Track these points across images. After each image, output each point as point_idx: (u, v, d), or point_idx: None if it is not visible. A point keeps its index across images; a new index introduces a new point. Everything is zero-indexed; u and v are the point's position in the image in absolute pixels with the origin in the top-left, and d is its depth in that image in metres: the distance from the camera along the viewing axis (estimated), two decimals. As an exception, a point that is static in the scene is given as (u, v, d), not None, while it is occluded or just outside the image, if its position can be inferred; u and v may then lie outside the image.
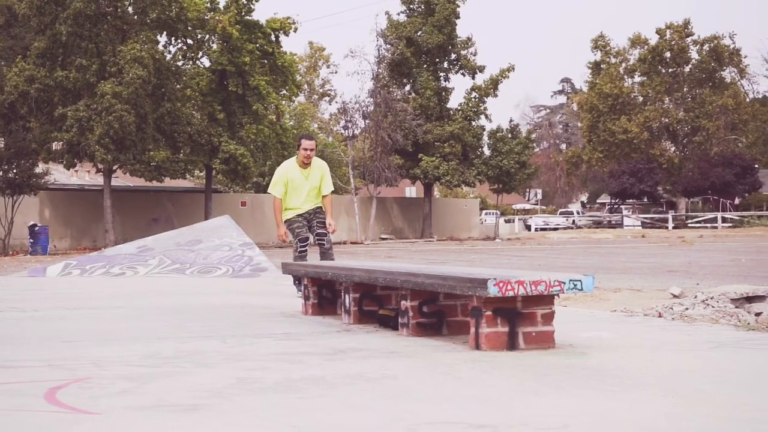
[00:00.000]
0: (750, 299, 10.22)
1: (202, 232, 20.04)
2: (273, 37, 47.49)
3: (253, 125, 45.99)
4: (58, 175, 55.92)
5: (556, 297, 6.67)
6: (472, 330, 6.59)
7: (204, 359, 6.26)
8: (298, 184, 12.01)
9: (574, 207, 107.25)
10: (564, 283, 6.43)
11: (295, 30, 47.95)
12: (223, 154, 45.09)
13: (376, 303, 8.46)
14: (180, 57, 46.90)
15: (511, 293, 6.30)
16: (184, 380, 5.41)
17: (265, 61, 47.09)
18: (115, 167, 42.76)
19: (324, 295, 9.47)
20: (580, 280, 6.49)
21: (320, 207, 12.18)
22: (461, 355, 6.36)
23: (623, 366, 5.88)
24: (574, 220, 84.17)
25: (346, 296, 8.56)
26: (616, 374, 5.54)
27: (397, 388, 5.13)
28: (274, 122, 48.80)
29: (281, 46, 48.13)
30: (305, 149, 11.90)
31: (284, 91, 49.50)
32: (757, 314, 9.75)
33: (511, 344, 6.49)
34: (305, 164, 12.01)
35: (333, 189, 12.53)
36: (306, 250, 11.78)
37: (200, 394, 4.95)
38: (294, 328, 8.27)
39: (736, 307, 9.99)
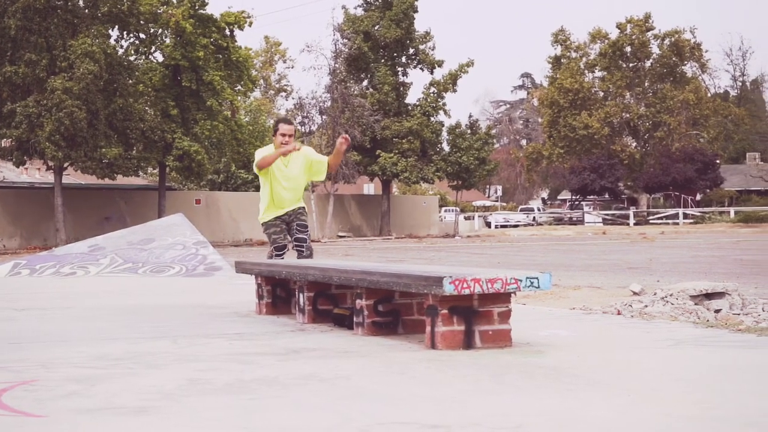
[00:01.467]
0: (709, 296, 10.30)
1: (155, 231, 19.93)
2: (227, 32, 47.36)
3: (208, 121, 45.82)
4: (8, 173, 55.60)
5: (513, 295, 6.69)
6: (428, 329, 6.59)
7: (154, 360, 6.23)
8: (277, 172, 11.02)
9: (535, 204, 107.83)
10: (521, 280, 6.45)
11: (250, 24, 47.86)
12: (177, 151, 44.89)
13: (331, 302, 8.45)
14: (132, 52, 46.61)
15: (467, 291, 6.30)
16: (133, 382, 5.38)
17: (220, 56, 46.96)
18: (66, 165, 42.50)
19: (278, 294, 9.46)
20: (536, 278, 6.50)
21: (303, 208, 11.31)
22: (416, 354, 6.37)
23: (580, 364, 5.91)
24: (534, 217, 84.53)
25: (301, 295, 8.55)
26: (573, 373, 5.57)
27: (350, 388, 5.13)
28: (229, 118, 48.70)
29: (236, 41, 48.03)
30: (283, 134, 10.86)
31: (239, 87, 49.41)
32: (717, 311, 9.82)
33: (468, 343, 6.50)
34: (284, 154, 10.88)
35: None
36: (282, 258, 10.93)
37: (149, 396, 4.92)
38: (247, 328, 8.26)
39: (696, 304, 10.06)
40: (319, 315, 8.43)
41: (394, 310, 7.48)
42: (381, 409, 4.55)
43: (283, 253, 11.09)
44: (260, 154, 11.11)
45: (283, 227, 11.15)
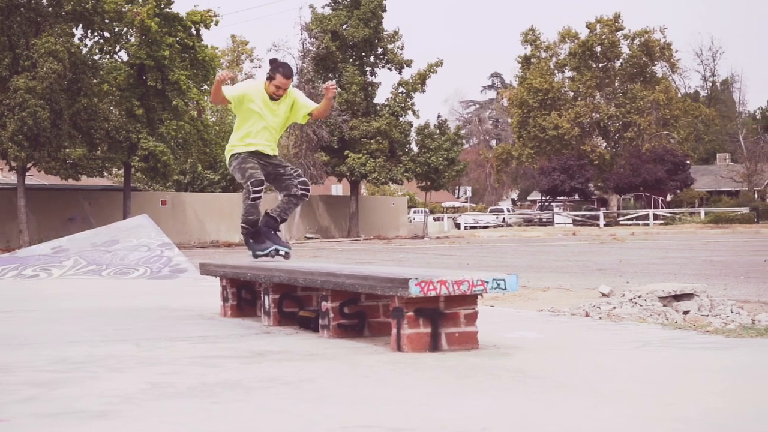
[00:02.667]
0: (678, 297, 10.36)
1: (119, 232, 19.86)
2: (193, 31, 47.22)
3: (173, 121, 45.69)
4: (-30, 173, 55.20)
5: (480, 297, 6.70)
6: (394, 331, 6.60)
7: (116, 364, 6.21)
8: (259, 113, 9.69)
9: (505, 204, 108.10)
10: (487, 282, 6.46)
11: (216, 23, 47.77)
12: (142, 152, 44.73)
13: (297, 304, 8.44)
14: (97, 51, 46.47)
15: (433, 293, 6.31)
16: (95, 385, 5.36)
17: (186, 55, 46.80)
18: (29, 165, 42.29)
19: (243, 296, 9.44)
20: (503, 279, 6.52)
21: (282, 161, 10.04)
22: (382, 356, 6.37)
23: (547, 366, 5.93)
24: (504, 218, 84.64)
25: (266, 297, 8.53)
26: (539, 375, 5.59)
27: (314, 391, 5.13)
28: (195, 118, 48.60)
29: (202, 40, 47.88)
30: (277, 87, 9.59)
31: (205, 86, 49.18)
32: (685, 312, 9.88)
33: (434, 345, 6.51)
34: (274, 97, 9.68)
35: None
36: (260, 197, 9.54)
37: (110, 399, 4.90)
38: (211, 330, 8.24)
39: (664, 306, 10.11)
40: (284, 317, 8.41)
41: (360, 312, 7.47)
42: (345, 412, 4.55)
43: (261, 191, 9.53)
44: (242, 85, 9.77)
45: (258, 166, 9.63)
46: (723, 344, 6.98)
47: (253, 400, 4.89)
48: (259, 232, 9.82)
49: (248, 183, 9.45)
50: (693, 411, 4.49)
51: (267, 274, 8.36)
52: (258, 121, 9.68)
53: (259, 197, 9.54)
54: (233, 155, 9.76)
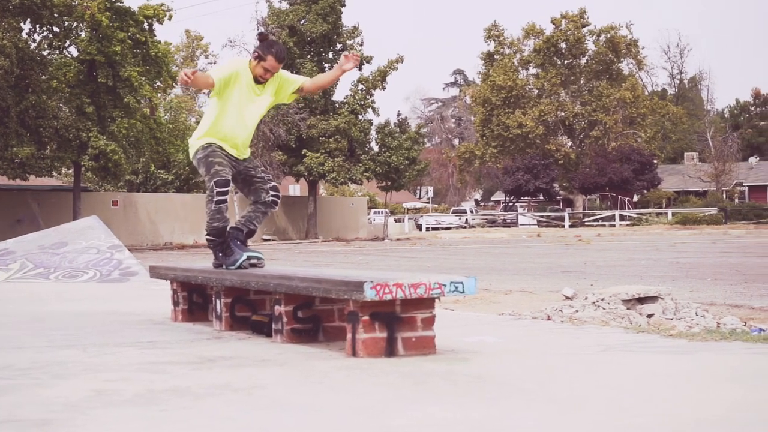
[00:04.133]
0: (642, 300, 10.42)
1: (68, 234, 19.76)
2: (146, 26, 47.04)
3: (125, 119, 45.52)
4: None
5: (437, 300, 6.71)
6: (349, 336, 6.59)
7: (61, 370, 6.18)
8: (243, 98, 8.68)
9: (468, 205, 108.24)
10: (445, 285, 6.46)
11: (170, 18, 47.57)
12: (93, 151, 44.52)
13: (250, 308, 8.42)
14: (45, 46, 46.22)
15: (389, 296, 6.30)
16: (38, 393, 5.33)
17: (138, 51, 46.61)
18: (-26, 165, 42.06)
19: (195, 300, 9.41)
20: (461, 282, 6.52)
21: (253, 159, 9.07)
22: (336, 362, 6.37)
23: (505, 372, 5.95)
24: (467, 219, 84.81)
25: (218, 301, 8.51)
26: (498, 380, 5.60)
27: (266, 398, 5.12)
28: (148, 116, 48.42)
29: (155, 35, 47.72)
30: (266, 70, 8.58)
31: (158, 83, 49.10)
32: (649, 316, 9.94)
33: (390, 350, 6.51)
34: (259, 81, 8.68)
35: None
36: (227, 200, 8.52)
37: (54, 407, 4.88)
38: (161, 335, 8.21)
39: (628, 309, 10.17)
40: (236, 322, 8.39)
41: (314, 316, 7.47)
42: (298, 419, 4.54)
43: (227, 192, 8.48)
44: (229, 66, 8.70)
45: (228, 163, 8.59)
46: (686, 348, 7.02)
47: (202, 407, 4.88)
48: (227, 242, 8.59)
49: (212, 183, 8.40)
50: (651, 417, 4.52)
51: (218, 277, 8.34)
52: (237, 106, 8.62)
53: (225, 200, 8.49)
54: (202, 145, 8.66)
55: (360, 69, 59.73)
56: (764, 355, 6.58)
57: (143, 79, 45.87)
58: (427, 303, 6.60)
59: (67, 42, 46.81)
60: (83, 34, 46.06)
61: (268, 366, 6.29)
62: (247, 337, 7.96)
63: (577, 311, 10.21)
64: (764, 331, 8.91)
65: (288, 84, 8.86)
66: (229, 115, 8.61)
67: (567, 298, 12.57)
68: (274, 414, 4.68)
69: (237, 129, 8.66)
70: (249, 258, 8.59)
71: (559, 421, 4.42)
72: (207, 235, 8.66)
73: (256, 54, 8.57)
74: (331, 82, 9.38)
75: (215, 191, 8.38)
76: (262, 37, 8.77)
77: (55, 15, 44.16)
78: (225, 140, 8.62)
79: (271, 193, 8.85)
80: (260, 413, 4.70)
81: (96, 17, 43.78)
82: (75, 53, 46.99)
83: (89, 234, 19.47)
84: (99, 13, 43.82)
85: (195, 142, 8.75)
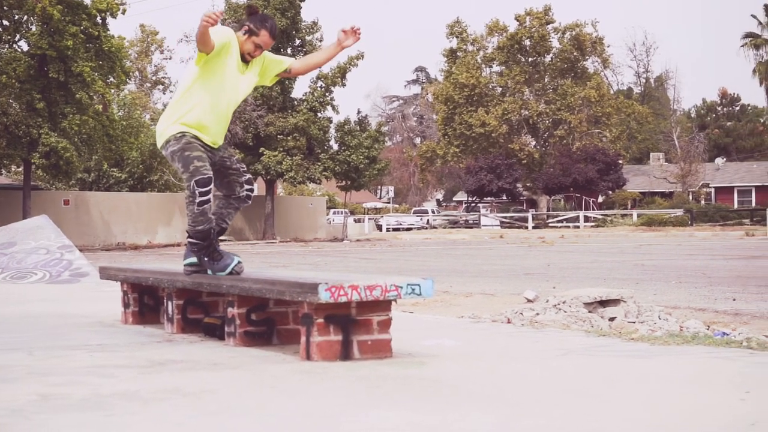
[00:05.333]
0: (604, 303, 10.48)
1: (17, 234, 19.64)
2: (99, 19, 46.79)
3: (77, 116, 45.26)
4: None
5: (393, 302, 6.72)
6: (303, 339, 6.59)
7: (6, 374, 6.14)
8: (229, 75, 7.86)
9: (429, 205, 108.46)
10: (401, 287, 6.47)
11: (123, 12, 47.36)
12: (44, 148, 44.26)
13: (202, 310, 8.40)
14: (-6, 40, 45.96)
15: (344, 299, 6.31)
16: (-19, 398, 5.30)
17: (90, 46, 46.36)
18: None
19: (146, 302, 9.37)
20: (418, 285, 6.53)
21: (228, 147, 8.45)
22: (290, 366, 6.36)
23: (462, 376, 5.96)
24: (428, 220, 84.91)
25: (169, 303, 8.48)
26: (454, 385, 5.62)
27: (216, 402, 5.11)
28: (101, 113, 48.14)
29: (108, 30, 47.49)
30: (257, 46, 7.85)
31: (111, 79, 48.82)
32: (611, 319, 9.99)
33: (345, 354, 6.51)
34: (246, 59, 7.94)
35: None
36: (210, 200, 7.83)
37: (-3, 412, 4.86)
38: (111, 338, 8.18)
39: (590, 312, 10.22)
40: (188, 324, 8.37)
41: (268, 319, 7.46)
42: (247, 424, 4.54)
43: (210, 192, 7.76)
44: (225, 33, 7.72)
45: (208, 157, 7.85)
46: (647, 352, 7.06)
47: (150, 412, 4.86)
48: (213, 246, 7.97)
49: (193, 182, 7.67)
50: (609, 422, 4.54)
51: (170, 278, 8.32)
52: (223, 84, 7.83)
53: (209, 200, 7.79)
54: (174, 134, 7.83)
55: None
56: (725, 360, 6.63)
57: (96, 74, 45.62)
58: (383, 305, 6.61)
59: (17, 36, 46.53)
60: (34, 28, 45.78)
61: (219, 370, 6.28)
62: (199, 340, 7.94)
63: (537, 314, 10.25)
64: (727, 335, 8.99)
65: (274, 65, 8.20)
66: (212, 93, 7.82)
67: (528, 300, 12.63)
68: (223, 419, 4.67)
69: (217, 113, 7.91)
70: (239, 262, 7.97)
71: (515, 427, 4.44)
72: (189, 238, 7.98)
73: (247, 28, 7.81)
74: (326, 61, 8.58)
75: (197, 191, 7.66)
76: (251, 11, 8.04)
77: (4, 8, 43.95)
78: (201, 128, 7.84)
79: (246, 187, 8.14)
80: (209, 418, 4.69)
81: (47, 11, 43.52)
82: (25, 47, 46.71)
83: (39, 234, 19.36)
84: (50, 7, 43.57)
85: (166, 130, 7.91)
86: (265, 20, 7.86)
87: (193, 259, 8.07)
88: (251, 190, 8.21)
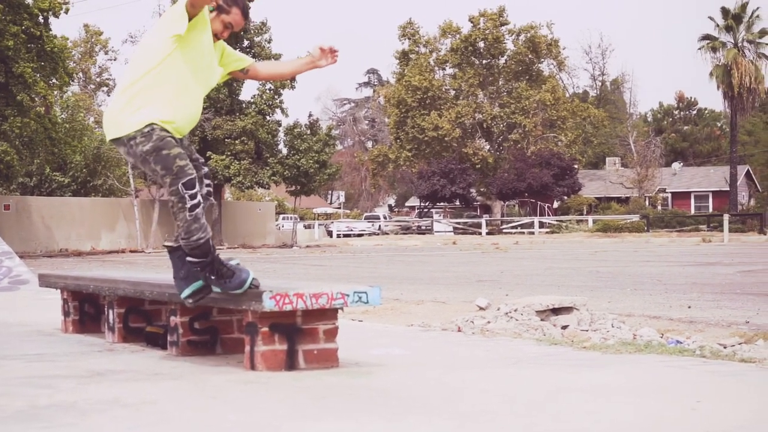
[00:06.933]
0: (557, 311, 10.51)
1: (-46, 240, 19.50)
2: (41, 19, 46.45)
3: (18, 118, 44.86)
4: None
5: (341, 311, 6.71)
6: (247, 348, 6.58)
7: (-61, 385, 6.10)
8: (206, 53, 6.88)
9: (381, 211, 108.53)
10: (348, 295, 6.48)
11: (66, 11, 47.02)
12: (-17, 152, 43.98)
13: (144, 319, 8.36)
14: (-68, 40, 45.56)
15: (289, 307, 6.31)
16: None
17: (32, 46, 45.96)
18: None
19: (86, 310, 9.31)
20: (365, 292, 6.54)
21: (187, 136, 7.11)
22: (233, 376, 6.35)
23: (410, 386, 5.97)
24: (380, 226, 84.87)
25: (110, 312, 8.44)
26: (401, 395, 5.62)
27: (156, 414, 5.10)
28: (43, 115, 47.76)
29: (50, 29, 47.14)
30: (226, 26, 6.88)
31: (54, 80, 48.45)
32: (564, 327, 10.02)
33: (290, 364, 6.51)
34: (216, 35, 6.92)
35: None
36: (201, 203, 6.71)
37: (-72, 425, 4.82)
38: (49, 348, 8.12)
39: (542, 320, 10.25)
40: (130, 333, 8.33)
41: (212, 327, 7.44)
42: (187, 436, 4.53)
43: (198, 194, 6.66)
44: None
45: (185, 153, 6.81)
46: (599, 361, 7.10)
47: (87, 424, 4.84)
48: (217, 260, 6.82)
49: (180, 185, 6.59)
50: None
51: (111, 286, 8.27)
52: (196, 71, 6.86)
53: (200, 203, 6.71)
54: (142, 130, 6.69)
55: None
56: (677, 368, 6.67)
57: (38, 75, 45.24)
58: (329, 314, 6.61)
59: (-44, 35, 46.15)
60: (-27, 28, 45.44)
61: (160, 380, 6.25)
62: (140, 349, 7.91)
63: (489, 322, 10.27)
64: (681, 343, 9.05)
65: (232, 59, 7.27)
66: (185, 73, 6.79)
67: (480, 308, 12.63)
68: (162, 431, 4.66)
69: (192, 97, 6.93)
70: (253, 277, 6.72)
71: (462, 438, 4.45)
72: (190, 257, 6.78)
73: (216, 4, 6.74)
74: (292, 75, 8.10)
75: (186, 195, 6.57)
76: None
77: (-58, 7, 43.56)
78: (172, 116, 6.78)
79: (205, 181, 7.02)
80: (147, 430, 4.68)
81: (-14, 10, 43.21)
82: (-36, 48, 46.36)
83: (-23, 240, 19.22)
84: (-10, 6, 43.26)
85: (126, 119, 6.75)
86: None
87: (197, 285, 6.81)
88: (210, 186, 7.12)
